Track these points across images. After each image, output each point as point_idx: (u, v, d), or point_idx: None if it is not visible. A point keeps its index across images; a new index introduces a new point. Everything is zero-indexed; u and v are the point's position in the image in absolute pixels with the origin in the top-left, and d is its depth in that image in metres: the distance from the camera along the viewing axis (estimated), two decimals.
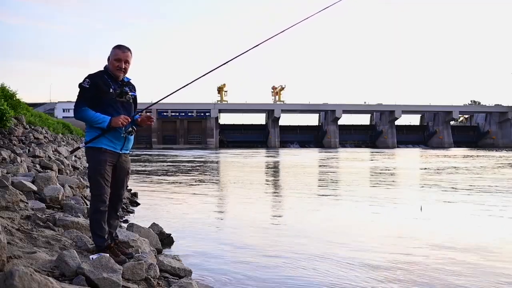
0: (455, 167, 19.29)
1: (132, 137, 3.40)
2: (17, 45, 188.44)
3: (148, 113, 3.60)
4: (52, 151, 10.75)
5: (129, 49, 3.36)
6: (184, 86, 3.65)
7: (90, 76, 3.25)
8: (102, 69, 3.38)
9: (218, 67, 3.71)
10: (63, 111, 60.69)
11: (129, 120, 3.27)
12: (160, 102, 3.54)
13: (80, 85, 3.23)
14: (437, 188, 10.89)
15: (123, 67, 3.32)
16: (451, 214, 7.12)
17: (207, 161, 25.42)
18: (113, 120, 3.18)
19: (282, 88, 78.45)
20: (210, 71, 3.70)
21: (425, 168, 19.01)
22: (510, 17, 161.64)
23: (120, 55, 3.30)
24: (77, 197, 5.69)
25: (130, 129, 3.32)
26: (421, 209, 6.56)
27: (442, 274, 3.92)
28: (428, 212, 7.16)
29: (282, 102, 75.92)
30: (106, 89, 3.26)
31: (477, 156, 31.81)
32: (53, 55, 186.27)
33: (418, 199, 8.84)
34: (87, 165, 3.38)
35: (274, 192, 10.61)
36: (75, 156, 12.26)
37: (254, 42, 3.81)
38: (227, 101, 75.43)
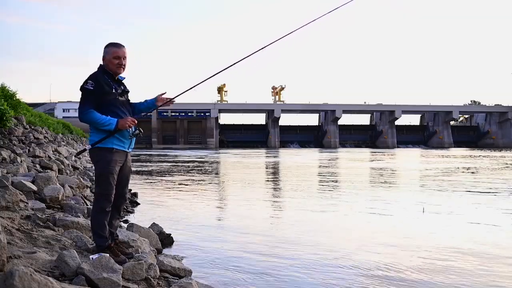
0: (462, 168, 19.28)
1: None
2: (17, 45, 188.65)
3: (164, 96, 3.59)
4: (52, 151, 10.75)
5: (123, 45, 3.38)
6: (186, 90, 3.68)
7: (92, 78, 3.22)
8: (97, 69, 3.33)
9: (221, 71, 3.74)
10: (63, 111, 60.58)
11: (136, 122, 3.27)
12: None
13: (84, 88, 3.18)
14: (448, 189, 10.88)
15: (123, 63, 3.33)
16: (465, 217, 7.01)
17: (209, 161, 25.42)
18: (120, 122, 3.17)
19: (282, 88, 78.45)
20: (214, 75, 3.72)
21: (433, 169, 18.99)
22: (510, 17, 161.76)
23: (118, 52, 3.30)
24: (77, 197, 5.69)
25: (137, 131, 3.32)
26: (423, 211, 6.42)
27: (446, 276, 3.92)
28: (441, 215, 7.15)
29: (282, 102, 75.90)
30: (109, 89, 3.25)
31: (481, 156, 31.72)
32: (53, 55, 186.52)
33: (428, 202, 8.81)
34: (87, 165, 3.38)
35: (276, 193, 10.61)
36: (75, 156, 12.25)
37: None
38: (227, 101, 75.42)
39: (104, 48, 3.35)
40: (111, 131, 3.18)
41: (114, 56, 3.29)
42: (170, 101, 3.55)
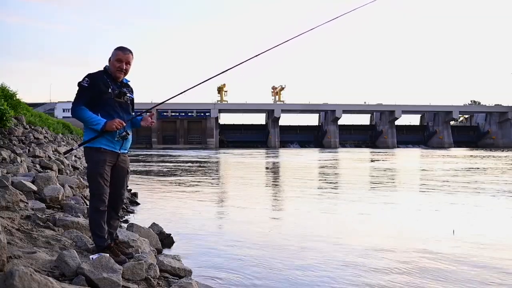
0: (470, 168, 19.25)
1: (130, 137, 3.40)
2: (17, 45, 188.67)
3: (149, 113, 3.59)
4: (52, 151, 10.75)
5: (130, 51, 3.37)
6: (187, 90, 3.68)
7: (89, 76, 3.25)
8: (102, 69, 3.37)
9: (221, 73, 3.74)
10: (63, 111, 60.78)
11: (124, 124, 3.27)
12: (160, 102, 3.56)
13: (79, 84, 3.22)
14: (462, 190, 10.87)
15: (124, 68, 3.33)
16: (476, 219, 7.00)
17: (210, 161, 25.41)
18: (107, 124, 3.17)
19: (282, 88, 78.47)
20: (213, 77, 3.73)
21: (441, 169, 18.96)
22: (510, 17, 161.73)
23: (121, 56, 3.31)
24: (77, 197, 5.68)
25: (124, 133, 3.31)
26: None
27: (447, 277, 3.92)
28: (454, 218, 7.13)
29: (282, 102, 75.91)
30: (105, 89, 3.25)
31: (484, 156, 31.62)
32: (53, 55, 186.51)
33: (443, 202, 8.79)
34: (86, 165, 3.38)
35: (278, 194, 10.60)
36: (75, 156, 12.26)
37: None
38: (227, 101, 75.44)
39: (113, 50, 3.37)
40: (99, 131, 3.19)
41: (116, 59, 3.31)
42: (151, 114, 3.53)
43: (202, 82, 3.71)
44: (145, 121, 3.51)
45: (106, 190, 3.25)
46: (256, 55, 3.79)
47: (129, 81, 3.49)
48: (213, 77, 3.71)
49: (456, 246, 4.93)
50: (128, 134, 3.36)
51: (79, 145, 3.29)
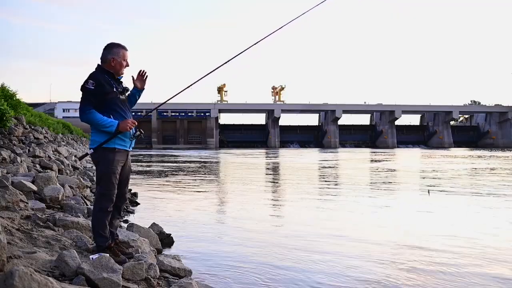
0: (475, 168, 19.21)
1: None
2: (18, 45, 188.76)
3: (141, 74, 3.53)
4: (52, 151, 10.75)
5: None
6: (186, 88, 3.69)
7: (93, 77, 3.20)
8: (96, 69, 3.32)
9: (219, 67, 3.76)
10: (63, 111, 60.66)
11: (135, 123, 3.27)
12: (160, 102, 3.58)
13: (84, 87, 3.17)
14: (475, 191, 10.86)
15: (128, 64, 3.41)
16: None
17: (211, 161, 25.40)
18: (121, 125, 3.17)
19: (282, 88, 78.52)
20: (212, 71, 3.74)
21: (448, 170, 18.93)
22: (510, 17, 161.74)
23: (127, 55, 3.38)
24: (77, 197, 5.68)
25: (138, 133, 3.33)
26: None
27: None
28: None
29: (282, 102, 75.97)
30: (110, 89, 3.24)
31: (490, 156, 31.54)
32: (53, 55, 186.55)
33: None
34: (87, 165, 3.37)
35: (279, 194, 10.59)
36: (75, 156, 12.25)
37: (255, 42, 3.85)
38: (227, 101, 75.48)
39: (111, 49, 3.31)
40: (112, 133, 3.18)
41: (124, 58, 3.35)
42: (144, 74, 3.50)
43: (201, 79, 3.71)
44: (139, 82, 3.47)
45: (115, 191, 3.26)
46: (252, 45, 3.79)
47: (121, 77, 3.47)
48: (211, 72, 3.72)
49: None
50: (142, 133, 3.38)
51: (95, 148, 3.20)
